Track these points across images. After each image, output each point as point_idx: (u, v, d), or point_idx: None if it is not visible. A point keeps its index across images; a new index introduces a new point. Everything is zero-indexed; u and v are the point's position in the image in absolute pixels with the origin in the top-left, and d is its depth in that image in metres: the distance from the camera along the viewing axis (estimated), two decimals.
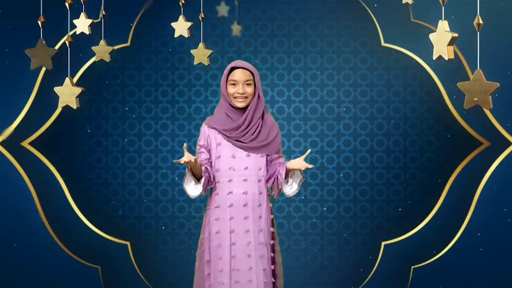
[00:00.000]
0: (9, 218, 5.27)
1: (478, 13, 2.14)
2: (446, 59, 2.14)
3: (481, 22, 2.14)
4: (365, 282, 5.36)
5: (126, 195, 5.42)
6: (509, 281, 5.20)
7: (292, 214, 5.42)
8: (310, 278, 5.41)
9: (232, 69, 3.50)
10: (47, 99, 5.17)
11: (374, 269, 5.36)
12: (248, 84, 3.46)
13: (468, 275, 5.22)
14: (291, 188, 3.55)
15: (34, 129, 5.31)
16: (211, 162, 3.52)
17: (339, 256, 5.41)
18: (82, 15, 3.64)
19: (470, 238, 5.24)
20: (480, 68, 2.18)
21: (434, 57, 2.18)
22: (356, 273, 5.38)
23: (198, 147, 3.56)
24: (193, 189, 3.48)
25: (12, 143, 5.28)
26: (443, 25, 2.17)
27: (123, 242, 5.40)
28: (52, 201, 5.34)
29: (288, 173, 3.51)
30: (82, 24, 3.60)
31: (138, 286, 5.38)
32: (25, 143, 5.30)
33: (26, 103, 5.27)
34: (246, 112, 3.46)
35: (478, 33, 2.17)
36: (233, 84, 3.46)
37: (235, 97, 3.46)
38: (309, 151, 3.46)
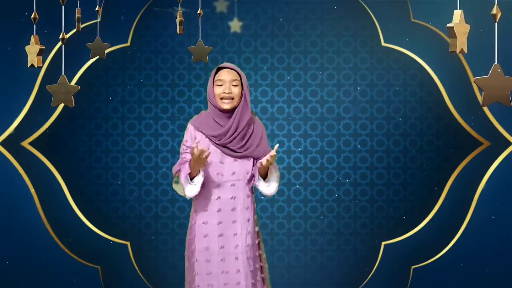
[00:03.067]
0: (9, 218, 5.27)
1: (496, 2, 2.05)
2: (449, 50, 2.04)
3: (499, 12, 2.02)
4: (365, 282, 5.35)
5: (126, 195, 5.42)
6: (509, 281, 5.20)
7: (292, 214, 5.42)
8: (310, 278, 5.41)
9: (219, 70, 3.52)
10: (47, 99, 5.15)
11: (374, 269, 5.35)
12: (234, 85, 3.45)
13: (468, 275, 5.22)
14: (268, 186, 3.50)
15: (34, 129, 5.31)
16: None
17: (339, 256, 5.41)
18: (77, 11, 3.63)
19: (470, 238, 5.24)
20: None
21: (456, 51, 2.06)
22: (356, 273, 5.38)
23: (184, 147, 3.54)
24: (191, 189, 3.43)
25: (12, 143, 5.28)
26: (456, 15, 2.06)
27: (123, 242, 5.40)
28: (52, 201, 5.34)
29: (262, 172, 3.48)
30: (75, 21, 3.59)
31: (138, 286, 5.38)
32: (25, 143, 5.30)
33: (26, 103, 5.27)
34: (233, 116, 3.44)
35: (496, 24, 2.06)
36: (220, 85, 3.46)
37: (221, 98, 3.44)
38: (277, 145, 3.42)
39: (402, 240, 5.35)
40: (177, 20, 3.92)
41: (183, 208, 5.43)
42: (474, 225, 5.23)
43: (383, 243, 5.36)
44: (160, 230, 5.43)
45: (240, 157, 3.47)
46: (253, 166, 3.52)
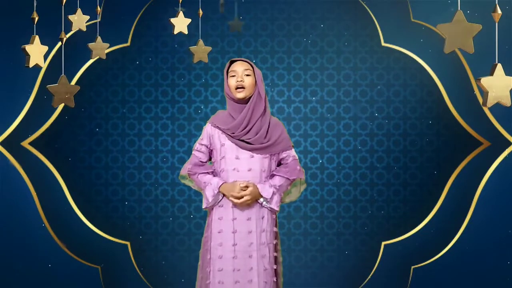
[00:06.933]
0: (9, 218, 5.27)
1: (496, 2, 2.06)
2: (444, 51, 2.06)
3: (499, 12, 2.03)
4: (365, 282, 5.35)
5: (126, 195, 5.42)
6: (509, 281, 5.20)
7: (292, 214, 5.42)
8: (310, 278, 5.41)
9: (232, 62, 3.54)
10: (47, 99, 5.17)
11: (374, 269, 5.35)
12: (247, 75, 3.47)
13: (468, 275, 5.22)
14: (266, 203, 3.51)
15: (34, 129, 5.31)
16: (203, 164, 3.55)
17: (339, 256, 5.41)
18: (78, 11, 3.63)
19: (470, 238, 5.23)
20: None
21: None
22: (356, 273, 5.38)
23: (198, 145, 3.56)
24: (214, 201, 3.50)
25: (12, 143, 5.28)
26: (455, 15, 2.06)
27: (123, 242, 5.40)
28: (52, 201, 5.34)
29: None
30: (79, 21, 3.59)
31: (138, 286, 5.38)
32: (25, 143, 5.30)
33: (26, 103, 5.28)
34: (246, 108, 3.46)
35: (496, 24, 2.07)
36: (233, 76, 3.48)
37: (235, 88, 3.47)
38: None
39: (402, 240, 5.35)
40: (182, 20, 3.92)
41: (183, 208, 5.43)
42: (474, 225, 5.23)
43: (383, 243, 5.36)
44: (160, 230, 5.43)
45: (258, 150, 3.47)
46: (270, 164, 3.52)
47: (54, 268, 5.30)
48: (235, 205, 3.46)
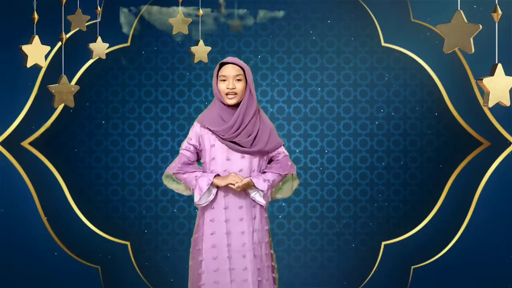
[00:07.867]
0: (9, 218, 5.27)
1: (496, 2, 2.06)
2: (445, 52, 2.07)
3: (499, 12, 2.04)
4: (365, 282, 5.35)
5: (126, 195, 5.42)
6: (509, 281, 5.20)
7: (292, 214, 5.42)
8: (310, 278, 5.41)
9: (222, 65, 3.48)
10: (47, 99, 5.16)
11: (374, 269, 5.35)
12: (238, 80, 3.43)
13: (468, 275, 5.22)
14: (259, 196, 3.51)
15: (34, 129, 5.31)
16: (192, 163, 3.54)
17: (339, 256, 5.41)
18: (78, 11, 3.64)
19: (470, 238, 5.24)
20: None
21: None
22: (356, 273, 5.38)
23: (187, 144, 3.54)
24: (205, 197, 3.49)
25: (12, 143, 5.28)
26: (454, 15, 2.06)
27: (123, 242, 5.40)
28: (52, 201, 5.34)
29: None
30: (79, 21, 3.60)
31: (138, 286, 5.38)
32: (25, 143, 5.30)
33: (26, 103, 5.27)
34: (238, 110, 3.43)
35: (496, 24, 2.09)
36: (223, 80, 3.44)
37: (226, 94, 3.44)
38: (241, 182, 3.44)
39: (402, 240, 5.35)
40: (182, 20, 3.93)
41: (183, 208, 5.43)
42: (474, 225, 5.23)
43: (383, 243, 5.36)
44: (160, 230, 5.43)
45: (248, 153, 3.46)
46: (259, 164, 3.52)
47: (54, 268, 5.30)
48: (226, 206, 3.47)
